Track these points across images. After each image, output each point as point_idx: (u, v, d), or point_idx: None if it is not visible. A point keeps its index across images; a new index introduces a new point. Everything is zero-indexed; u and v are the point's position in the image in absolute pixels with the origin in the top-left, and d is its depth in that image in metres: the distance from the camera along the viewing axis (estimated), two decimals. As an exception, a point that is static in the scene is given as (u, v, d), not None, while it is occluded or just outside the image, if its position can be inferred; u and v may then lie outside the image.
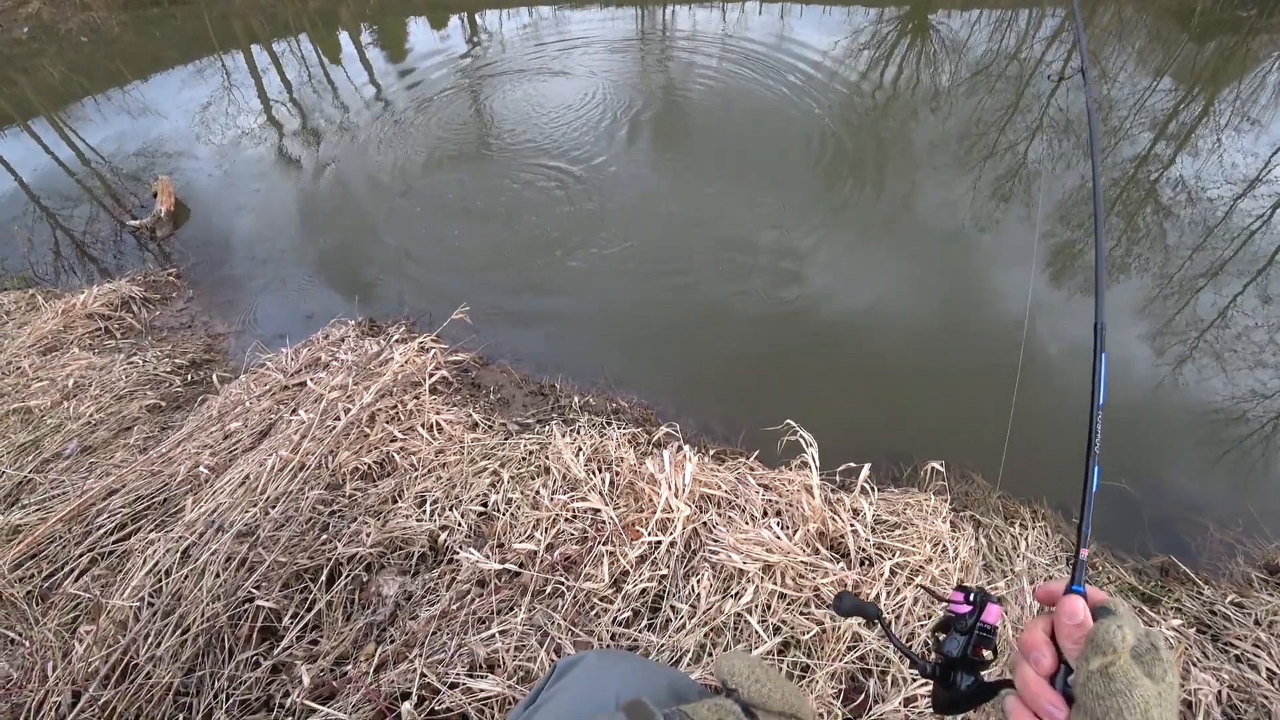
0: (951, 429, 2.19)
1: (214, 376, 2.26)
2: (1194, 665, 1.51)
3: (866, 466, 1.67)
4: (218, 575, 1.63)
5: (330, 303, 2.62)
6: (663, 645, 1.34)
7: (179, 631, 1.53)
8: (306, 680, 1.39)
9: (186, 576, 1.63)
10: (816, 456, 1.59)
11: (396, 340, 2.10)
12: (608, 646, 1.36)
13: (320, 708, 1.34)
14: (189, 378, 2.38)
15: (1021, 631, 0.44)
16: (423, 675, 1.36)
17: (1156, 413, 2.46)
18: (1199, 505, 2.07)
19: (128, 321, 2.62)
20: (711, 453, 1.81)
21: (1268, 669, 1.51)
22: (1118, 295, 2.98)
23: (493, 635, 1.38)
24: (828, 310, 2.61)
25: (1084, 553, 0.48)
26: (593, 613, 1.39)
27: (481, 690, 1.31)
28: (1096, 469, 0.53)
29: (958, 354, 2.53)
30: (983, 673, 0.51)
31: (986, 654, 0.50)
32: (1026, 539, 1.77)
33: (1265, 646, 1.55)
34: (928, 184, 3.42)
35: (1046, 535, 1.83)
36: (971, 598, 0.52)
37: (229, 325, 2.58)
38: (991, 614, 0.51)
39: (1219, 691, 1.45)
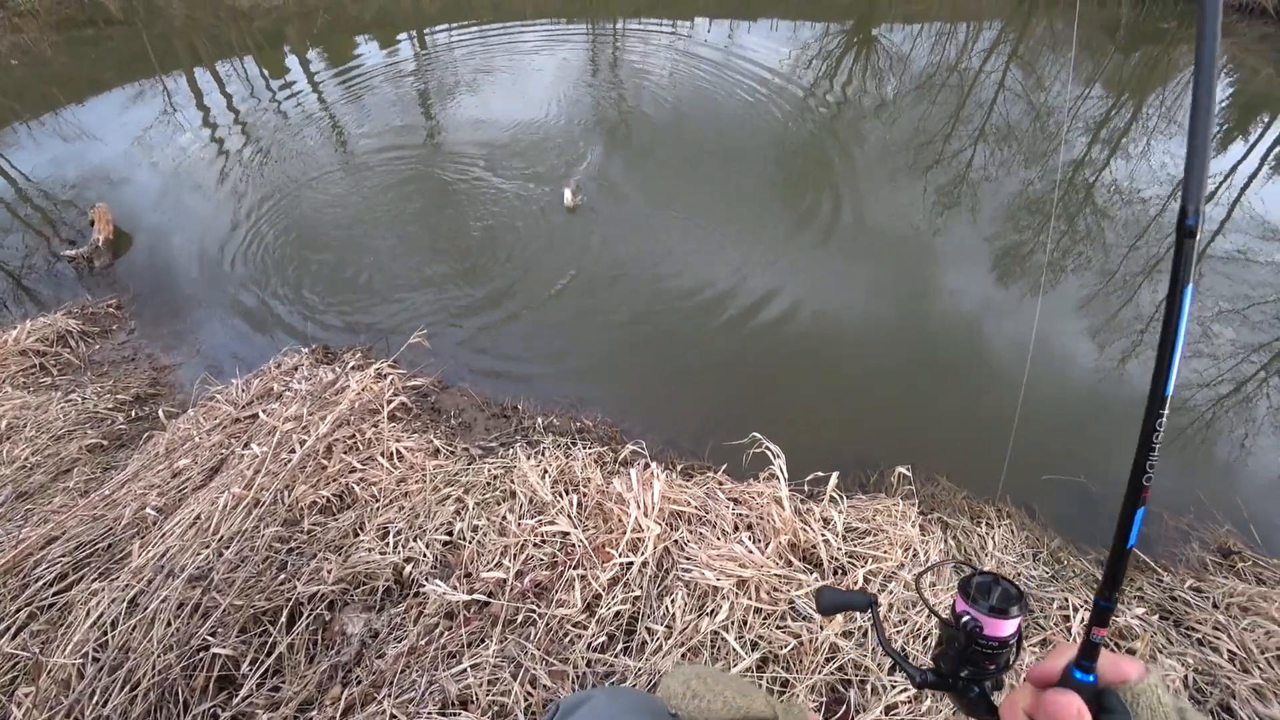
0: (915, 433, 2.23)
1: (160, 411, 2.15)
2: (1160, 652, 1.56)
3: (835, 475, 1.68)
4: (169, 624, 1.54)
5: (281, 331, 2.53)
6: (640, 669, 1.32)
7: (128, 687, 1.44)
8: (267, 731, 1.32)
9: (135, 627, 1.54)
10: (784, 468, 1.60)
11: (352, 367, 2.03)
12: (589, 678, 1.33)
13: (284, 759, 1.27)
14: (133, 414, 2.26)
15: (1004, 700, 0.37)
16: (393, 717, 1.30)
17: (1105, 406, 2.55)
18: (1152, 495, 2.15)
19: (65, 357, 2.48)
20: (679, 468, 1.80)
21: (1228, 650, 1.56)
22: (1062, 292, 3.11)
23: (464, 670, 1.33)
24: (789, 321, 2.64)
25: (1100, 632, 0.39)
26: (567, 639, 1.35)
27: (453, 730, 1.26)
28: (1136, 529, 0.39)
29: (917, 359, 2.59)
30: (988, 682, 0.45)
31: (991, 666, 0.44)
32: (993, 537, 1.80)
33: (1224, 629, 1.61)
34: (879, 193, 3.51)
35: (1012, 533, 1.87)
36: (962, 619, 0.44)
37: (175, 357, 2.47)
38: (997, 628, 0.44)
39: (1185, 676, 1.50)
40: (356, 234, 3.01)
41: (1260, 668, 1.52)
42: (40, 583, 1.74)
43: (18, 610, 1.69)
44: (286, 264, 2.86)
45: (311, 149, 3.71)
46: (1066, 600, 1.69)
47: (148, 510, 1.84)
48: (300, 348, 2.27)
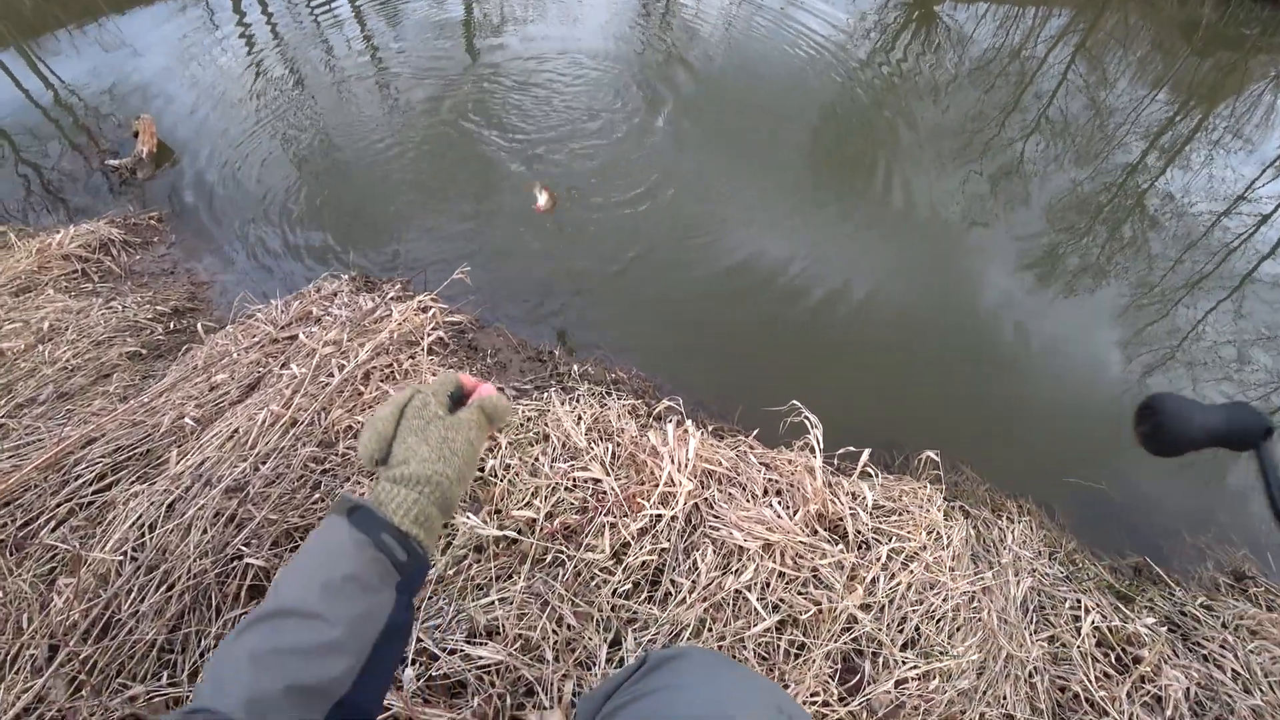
0: (943, 420, 2.23)
1: (198, 326, 2.17)
2: (1165, 662, 1.58)
3: (866, 451, 1.69)
4: (205, 531, 1.58)
5: (322, 256, 2.53)
6: (662, 619, 1.35)
7: (164, 587, 1.49)
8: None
9: (172, 531, 1.59)
10: (821, 439, 1.61)
11: (392, 298, 2.04)
12: (614, 622, 1.36)
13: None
14: (171, 326, 2.29)
15: None
16: (419, 640, 1.35)
17: (1119, 421, 2.53)
18: (1173, 510, 2.16)
19: (106, 265, 2.50)
20: (710, 429, 1.81)
21: (1232, 669, 1.59)
22: (1100, 299, 3.05)
23: (492, 602, 1.37)
24: (828, 296, 2.61)
25: None
26: (593, 583, 1.39)
27: (481, 658, 1.30)
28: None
29: (955, 346, 2.57)
30: None
31: None
32: (1013, 532, 1.81)
33: (1231, 648, 1.63)
34: (929, 176, 3.43)
35: (1031, 530, 1.88)
36: None
37: (213, 274, 2.48)
38: None
39: (1187, 688, 1.52)
40: (396, 163, 2.97)
41: (1262, 690, 1.55)
42: (80, 481, 1.79)
43: (58, 505, 1.74)
44: (325, 190, 2.84)
45: (352, 76, 3.65)
46: (1079, 601, 1.71)
47: (186, 420, 1.87)
48: (340, 274, 2.28)
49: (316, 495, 1.66)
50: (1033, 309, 2.86)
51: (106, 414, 1.97)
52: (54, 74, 3.82)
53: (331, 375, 1.80)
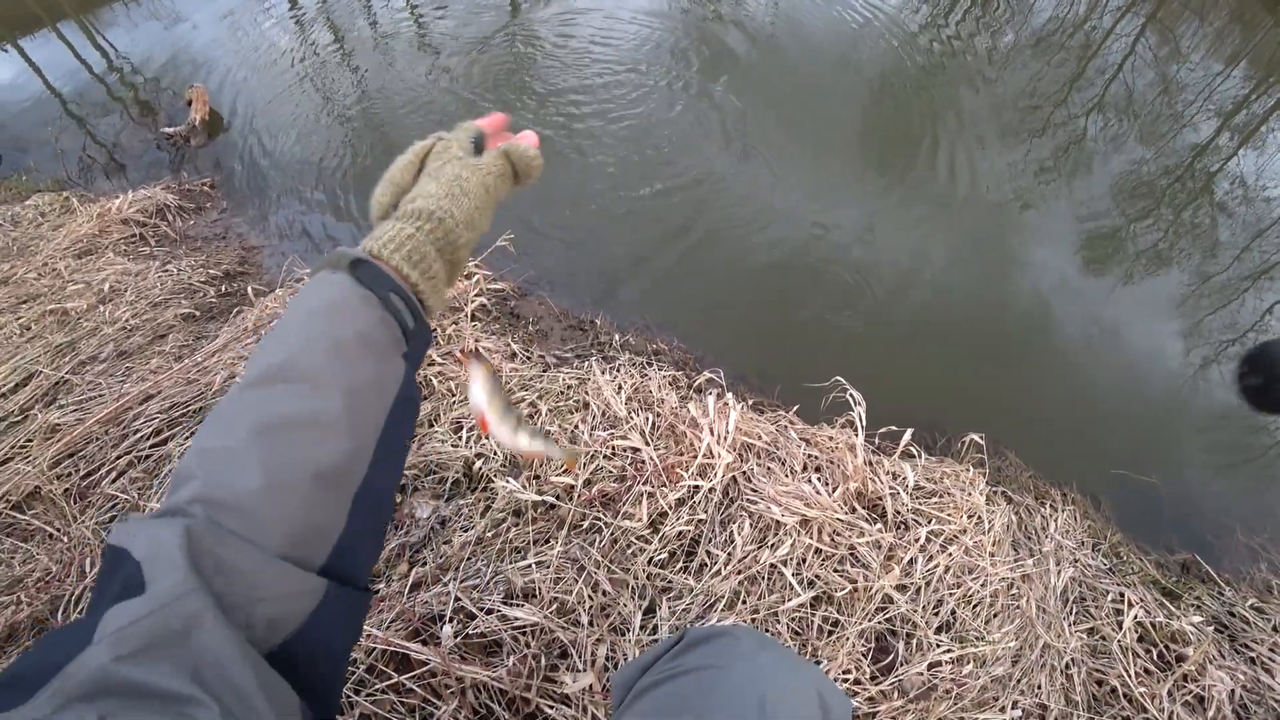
0: (990, 403, 2.18)
1: (249, 289, 2.24)
2: (1210, 662, 1.53)
3: (909, 431, 1.66)
4: (256, 484, 1.65)
5: (367, 223, 2.57)
6: (696, 590, 1.36)
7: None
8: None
9: (224, 485, 1.65)
10: (864, 416, 1.58)
11: (437, 265, 2.07)
12: (648, 590, 1.38)
13: (355, 619, 1.37)
14: (223, 289, 2.36)
15: None
16: (457, 599, 1.38)
17: (1190, 411, 2.43)
18: (1227, 507, 2.08)
19: (162, 229, 2.59)
20: (750, 402, 1.80)
21: None
22: (1159, 287, 2.92)
23: (529, 565, 1.40)
24: (876, 274, 2.55)
25: None
26: (629, 551, 1.40)
27: (517, 619, 1.33)
28: None
29: (1006, 329, 2.49)
30: None
31: None
32: (1056, 521, 1.77)
33: None
34: (985, 153, 3.29)
35: (1075, 520, 1.83)
36: None
37: (263, 239, 2.55)
38: None
39: (1231, 690, 1.47)
40: (440, 128, 2.99)
41: None
42: (138, 435, 1.87)
43: (118, 457, 1.83)
44: (371, 155, 2.88)
45: (395, 41, 3.65)
46: (1122, 595, 1.66)
47: (237, 379, 1.94)
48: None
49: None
50: (1087, 294, 2.75)
51: (163, 372, 2.05)
52: (111, 45, 3.92)
53: (376, 340, 1.84)
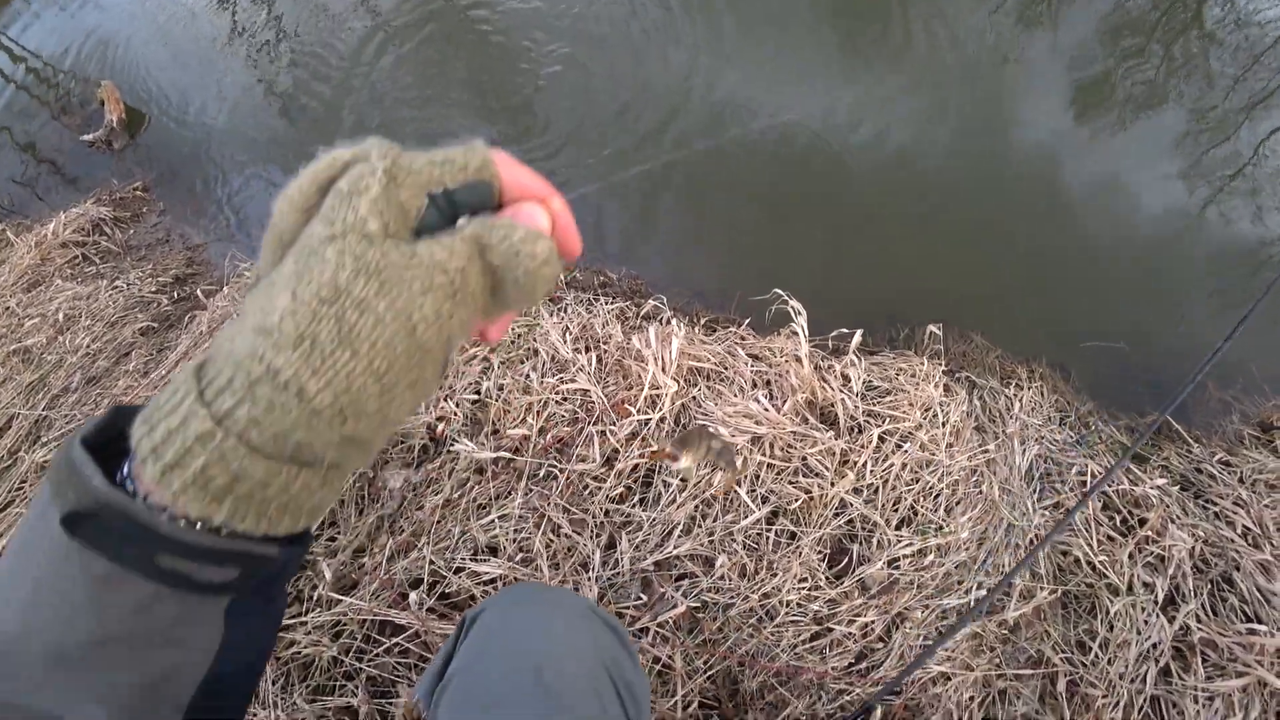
0: (955, 286, 2.11)
1: (198, 291, 2.23)
2: (1171, 523, 1.54)
3: (859, 333, 1.64)
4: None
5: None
6: (654, 519, 1.40)
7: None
8: (329, 574, 1.48)
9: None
10: (805, 326, 1.56)
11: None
12: (607, 527, 1.42)
13: (343, 598, 1.44)
14: (175, 295, 2.36)
15: None
16: (431, 562, 1.44)
17: (1170, 263, 2.35)
18: (1199, 364, 2.03)
19: (103, 245, 2.56)
20: (703, 322, 1.79)
21: (1243, 525, 1.54)
22: (1147, 130, 2.75)
23: (492, 520, 1.44)
24: (836, 162, 2.42)
25: None
26: (586, 492, 1.44)
27: (485, 573, 1.39)
28: None
29: (968, 205, 2.38)
30: None
31: None
32: (1021, 399, 1.76)
33: (1246, 505, 1.57)
34: (944, 8, 3.04)
35: (1042, 394, 1.82)
36: None
37: (206, 235, 2.51)
38: None
39: (1191, 547, 1.49)
40: (385, 81, 2.83)
41: (1272, 544, 1.50)
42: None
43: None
44: (312, 126, 2.76)
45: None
46: (1087, 466, 1.67)
47: None
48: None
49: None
50: (1067, 150, 2.59)
51: (133, 392, 2.08)
52: (17, 44, 3.69)
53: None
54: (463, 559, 1.40)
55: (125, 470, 0.29)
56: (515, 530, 1.40)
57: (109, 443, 0.29)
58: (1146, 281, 2.27)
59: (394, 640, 1.40)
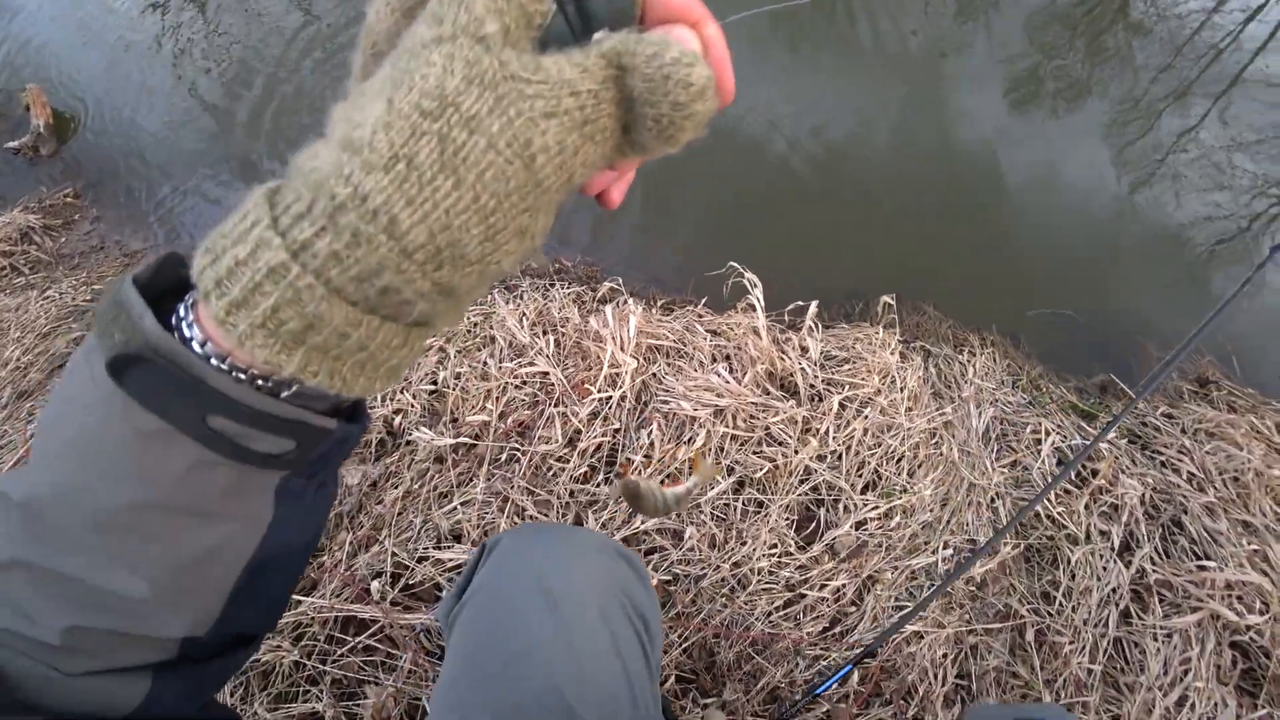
0: (906, 260, 2.18)
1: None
2: (1122, 473, 1.60)
3: (814, 304, 1.66)
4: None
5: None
6: (620, 496, 1.38)
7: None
8: (284, 574, 1.41)
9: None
10: (762, 298, 1.57)
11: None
12: (573, 506, 1.39)
13: (304, 599, 1.37)
14: (112, 303, 2.24)
15: None
16: (393, 554, 1.39)
17: (1107, 240, 2.47)
18: (1142, 327, 2.14)
19: (33, 255, 2.42)
20: (660, 303, 1.79)
21: (1188, 471, 1.62)
22: (1079, 120, 2.89)
23: (455, 508, 1.40)
24: (787, 148, 2.47)
25: None
26: (550, 473, 1.41)
27: (450, 560, 1.35)
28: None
29: (925, 185, 2.46)
30: None
31: None
32: (974, 365, 1.81)
33: (1189, 452, 1.66)
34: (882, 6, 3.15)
35: (994, 360, 1.87)
36: None
37: (145, 240, 2.40)
38: None
39: (1142, 494, 1.55)
40: (328, 73, 2.76)
41: (1215, 488, 1.58)
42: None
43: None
44: (252, 120, 2.67)
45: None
46: (1040, 424, 1.72)
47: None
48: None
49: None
50: (1007, 136, 2.71)
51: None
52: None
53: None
54: (425, 548, 1.36)
55: (181, 311, 0.26)
56: (479, 515, 1.36)
57: (163, 296, 0.26)
58: (1086, 255, 2.38)
59: (358, 639, 1.34)
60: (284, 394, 0.26)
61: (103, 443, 0.26)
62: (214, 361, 0.25)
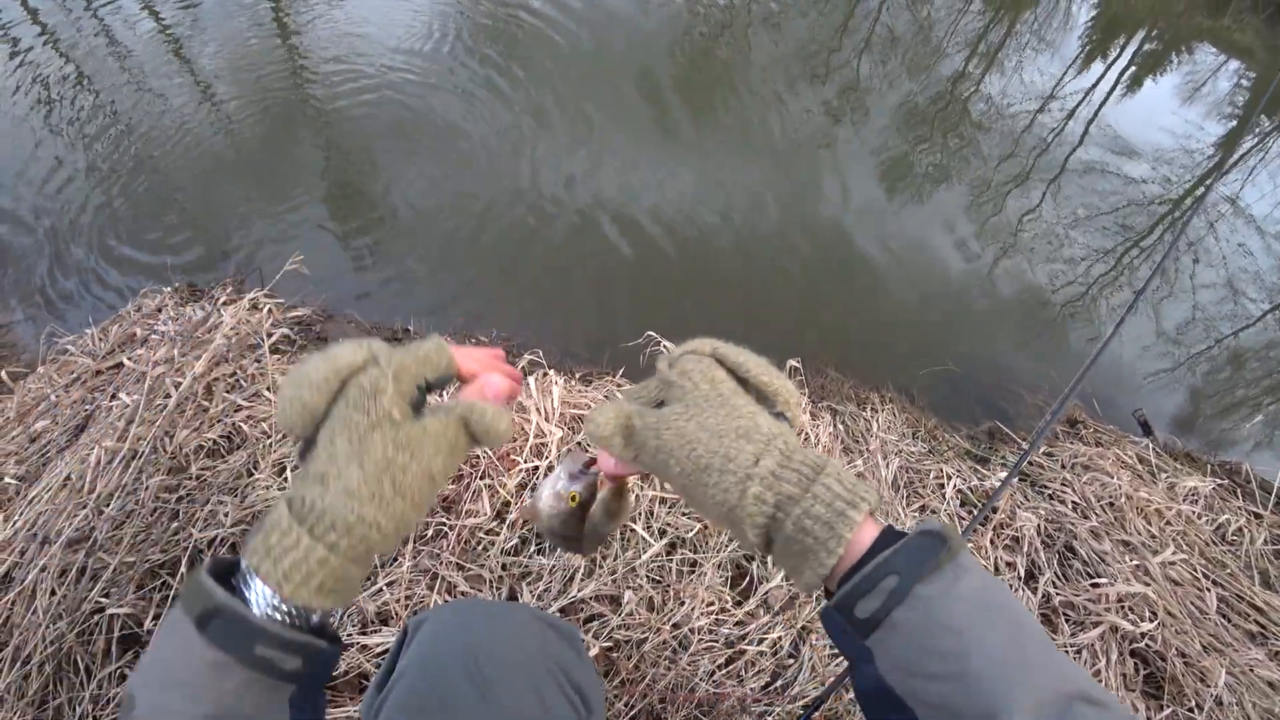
0: (808, 331, 2.38)
1: (1, 374, 1.91)
2: (1019, 508, 1.79)
3: (729, 370, 1.76)
4: (53, 593, 1.43)
5: (137, 271, 2.27)
6: (554, 566, 1.37)
7: (18, 664, 1.34)
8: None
9: (14, 602, 1.42)
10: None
11: (224, 302, 1.87)
12: (505, 580, 1.36)
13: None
14: (-28, 382, 2.00)
15: None
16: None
17: (978, 304, 2.83)
18: (1013, 377, 2.44)
19: None
20: (578, 375, 1.83)
21: (1072, 501, 1.84)
22: (940, 202, 3.32)
23: (380, 589, 1.33)
24: (686, 231, 2.66)
25: None
26: (479, 547, 1.38)
27: (378, 644, 1.27)
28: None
29: (815, 262, 2.72)
30: None
31: None
32: (878, 420, 1.97)
33: (1070, 484, 1.89)
34: (769, 102, 3.53)
35: (894, 415, 2.05)
36: None
37: (9, 315, 2.18)
38: None
39: (1037, 525, 1.74)
40: (208, 159, 2.69)
41: (1096, 513, 1.80)
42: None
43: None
44: (132, 199, 2.52)
45: (145, 67, 3.22)
46: (941, 470, 1.89)
47: (6, 480, 1.66)
48: (161, 287, 2.06)
49: (176, 525, 1.54)
50: (885, 217, 3.07)
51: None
52: None
53: (168, 396, 1.64)
54: (349, 634, 1.27)
55: (235, 582, 0.40)
56: (406, 595, 1.30)
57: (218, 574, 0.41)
58: (961, 319, 2.71)
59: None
60: (302, 622, 0.40)
61: (186, 673, 0.37)
62: (261, 607, 0.38)
